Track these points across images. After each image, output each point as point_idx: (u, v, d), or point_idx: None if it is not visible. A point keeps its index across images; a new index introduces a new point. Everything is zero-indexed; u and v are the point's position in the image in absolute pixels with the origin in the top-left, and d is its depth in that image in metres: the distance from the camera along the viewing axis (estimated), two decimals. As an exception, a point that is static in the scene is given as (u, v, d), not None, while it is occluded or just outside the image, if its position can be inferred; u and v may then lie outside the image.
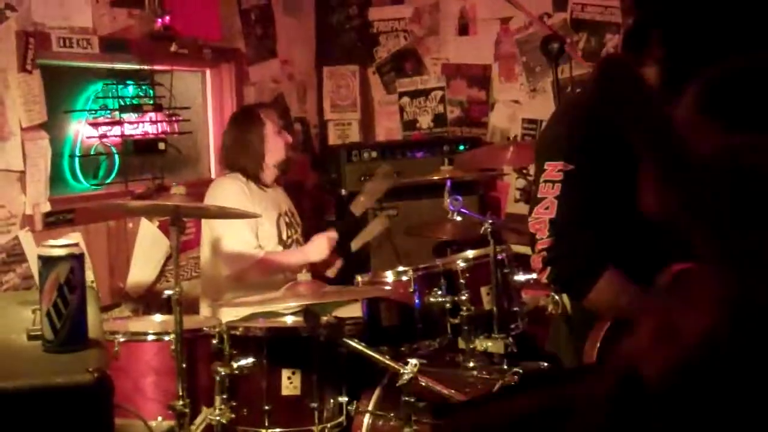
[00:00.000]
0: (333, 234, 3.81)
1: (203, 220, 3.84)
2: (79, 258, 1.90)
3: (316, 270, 3.75)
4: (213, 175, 4.48)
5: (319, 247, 3.75)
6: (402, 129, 5.40)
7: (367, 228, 3.95)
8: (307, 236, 4.02)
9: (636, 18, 2.22)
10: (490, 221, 3.26)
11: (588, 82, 2.59)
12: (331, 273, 3.91)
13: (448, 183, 3.61)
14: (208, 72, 4.65)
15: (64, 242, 1.90)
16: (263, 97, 4.84)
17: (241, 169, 3.79)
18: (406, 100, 5.37)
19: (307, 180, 5.28)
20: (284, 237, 3.84)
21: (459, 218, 3.57)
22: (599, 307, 2.11)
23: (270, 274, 3.68)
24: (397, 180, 3.86)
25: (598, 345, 2.09)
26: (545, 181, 2.11)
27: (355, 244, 3.90)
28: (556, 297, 2.29)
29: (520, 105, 5.03)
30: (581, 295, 2.10)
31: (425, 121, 5.34)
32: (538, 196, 2.11)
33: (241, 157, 3.81)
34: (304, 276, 2.93)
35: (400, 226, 4.61)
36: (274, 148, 3.82)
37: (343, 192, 4.80)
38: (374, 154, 4.85)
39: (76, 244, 1.92)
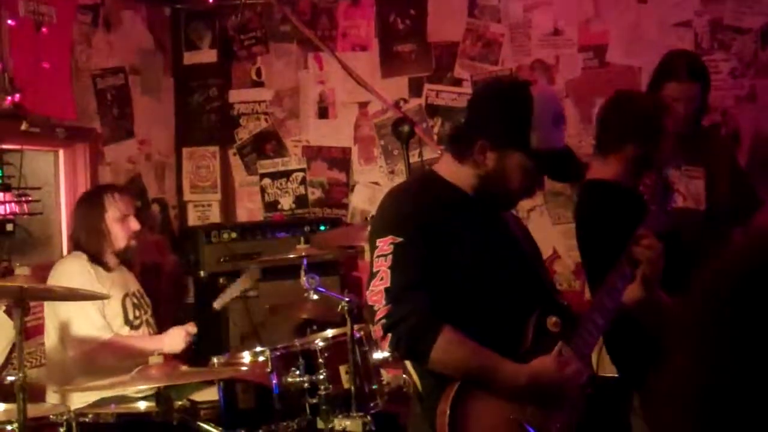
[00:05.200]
0: (192, 328, 3.74)
1: (45, 303, 3.70)
2: None
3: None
4: (65, 258, 4.33)
5: (175, 339, 3.68)
6: (263, 210, 5.39)
7: (231, 286, 3.89)
8: (164, 318, 3.92)
9: (463, 124, 2.38)
10: (347, 300, 3.28)
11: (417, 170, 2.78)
12: None
13: (305, 261, 3.61)
14: (61, 152, 4.55)
15: None
16: (119, 178, 4.75)
17: (83, 249, 3.71)
18: (267, 181, 5.38)
19: (166, 262, 5.17)
20: (131, 317, 3.75)
21: (316, 297, 3.57)
22: (443, 366, 2.17)
23: (120, 358, 3.56)
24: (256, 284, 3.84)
25: (448, 412, 2.12)
26: (378, 257, 2.20)
27: (219, 303, 3.84)
28: (405, 376, 2.35)
29: (379, 186, 5.12)
30: (424, 356, 2.15)
31: (287, 203, 5.35)
32: (373, 271, 2.20)
33: (81, 239, 3.74)
34: (156, 358, 2.84)
35: (260, 306, 4.57)
36: (115, 235, 3.74)
37: (202, 274, 4.72)
38: (234, 234, 4.81)
39: None
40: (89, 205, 3.80)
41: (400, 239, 2.18)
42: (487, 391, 2.17)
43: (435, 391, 2.21)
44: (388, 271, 2.15)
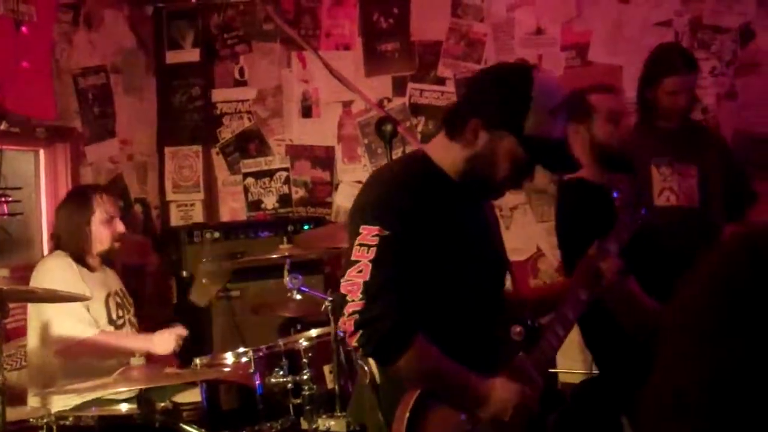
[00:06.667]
0: (182, 331, 3.69)
1: (29, 305, 3.66)
2: None
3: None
4: (46, 259, 4.29)
5: (166, 342, 3.63)
6: (247, 209, 5.37)
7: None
8: (146, 319, 3.90)
9: (459, 102, 2.34)
10: (331, 299, 3.27)
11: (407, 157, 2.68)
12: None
13: (288, 261, 3.60)
14: (41, 152, 4.50)
15: None
16: (100, 178, 4.72)
17: (64, 249, 3.68)
18: (250, 180, 5.36)
19: (149, 262, 5.14)
20: (114, 317, 3.71)
21: (299, 296, 3.56)
22: (407, 374, 2.11)
23: (106, 356, 3.53)
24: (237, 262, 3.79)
25: (407, 418, 2.08)
26: (360, 245, 2.08)
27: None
28: (363, 364, 2.30)
29: (363, 185, 5.11)
30: (391, 362, 2.08)
31: (270, 202, 5.34)
32: (352, 259, 2.09)
33: (63, 239, 3.70)
34: (138, 360, 2.82)
35: (244, 306, 4.56)
36: (99, 237, 3.70)
37: (185, 274, 4.70)
38: (217, 234, 4.79)
39: None
40: (76, 205, 3.74)
41: (387, 232, 2.07)
42: (447, 404, 2.14)
43: (394, 388, 2.16)
44: (369, 264, 2.05)
